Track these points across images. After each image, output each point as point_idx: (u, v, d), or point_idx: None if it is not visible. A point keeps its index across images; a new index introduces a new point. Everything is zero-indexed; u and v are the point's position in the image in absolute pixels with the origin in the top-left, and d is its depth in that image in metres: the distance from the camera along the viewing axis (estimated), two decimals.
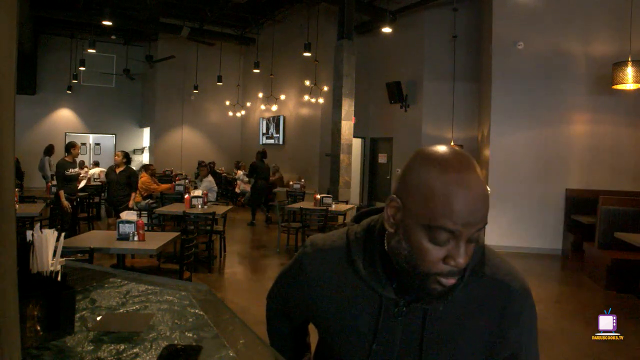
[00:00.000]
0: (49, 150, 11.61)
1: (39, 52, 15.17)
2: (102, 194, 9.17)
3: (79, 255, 3.29)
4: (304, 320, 1.09)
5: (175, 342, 0.87)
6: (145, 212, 7.05)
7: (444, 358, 0.84)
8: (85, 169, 10.80)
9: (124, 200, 6.70)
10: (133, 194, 6.82)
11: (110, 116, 16.48)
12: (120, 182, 6.71)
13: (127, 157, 6.88)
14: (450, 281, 0.78)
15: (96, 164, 12.38)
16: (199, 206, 6.29)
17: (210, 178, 8.27)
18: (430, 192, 0.74)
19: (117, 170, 6.76)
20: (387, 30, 9.41)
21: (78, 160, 7.89)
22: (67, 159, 6.60)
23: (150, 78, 15.92)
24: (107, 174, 7.26)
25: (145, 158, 16.47)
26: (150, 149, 16.05)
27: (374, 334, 0.87)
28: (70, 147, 6.69)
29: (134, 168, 7.87)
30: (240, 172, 12.54)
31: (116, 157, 6.89)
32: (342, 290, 0.92)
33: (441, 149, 0.78)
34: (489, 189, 0.81)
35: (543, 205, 7.47)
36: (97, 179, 10.60)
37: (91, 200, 8.47)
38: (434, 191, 0.74)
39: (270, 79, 13.51)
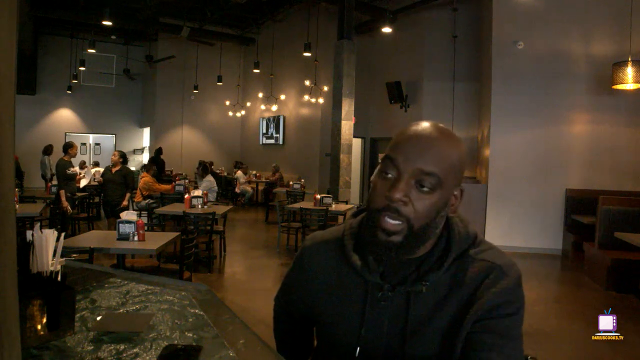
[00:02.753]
0: (48, 150, 11.63)
1: (39, 52, 15.16)
2: (102, 194, 9.21)
3: (77, 255, 3.29)
4: (306, 318, 1.09)
5: (175, 342, 0.87)
6: (145, 212, 7.04)
7: (427, 340, 0.85)
8: (86, 168, 10.80)
9: (121, 200, 6.74)
10: (127, 194, 6.83)
11: (110, 116, 16.47)
12: (116, 182, 6.76)
13: (123, 157, 6.94)
14: (390, 224, 0.81)
15: (96, 164, 12.38)
16: (199, 206, 6.29)
17: (210, 178, 8.25)
18: (396, 135, 0.87)
19: (113, 170, 6.82)
20: (387, 30, 9.40)
21: (78, 160, 7.93)
22: (65, 158, 6.74)
23: (150, 78, 15.91)
24: (103, 174, 7.32)
25: (145, 158, 16.47)
26: (150, 149, 16.05)
27: (361, 319, 0.89)
28: (67, 147, 6.86)
29: (134, 168, 7.93)
30: (239, 172, 12.54)
31: (113, 157, 6.96)
32: (335, 280, 0.95)
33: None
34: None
35: (543, 205, 7.46)
36: (95, 179, 10.63)
37: (91, 200, 8.47)
38: (397, 133, 0.87)
39: (270, 79, 13.51)
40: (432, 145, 0.82)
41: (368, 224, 0.85)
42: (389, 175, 0.83)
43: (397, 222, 0.81)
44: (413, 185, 0.81)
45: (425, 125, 0.85)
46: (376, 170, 0.87)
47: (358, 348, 0.89)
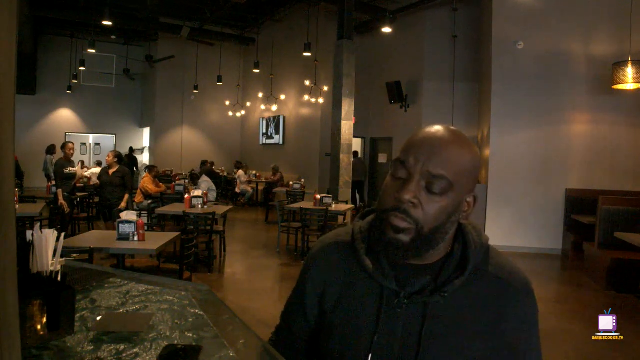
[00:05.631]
0: (51, 150, 11.71)
1: (39, 52, 15.16)
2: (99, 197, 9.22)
3: (77, 255, 3.29)
4: (313, 334, 1.02)
5: (175, 342, 0.87)
6: (146, 212, 7.03)
7: (442, 352, 0.84)
8: (85, 169, 10.81)
9: (119, 202, 6.34)
10: (126, 196, 6.39)
11: (110, 116, 16.47)
12: (114, 184, 6.36)
13: (119, 157, 6.54)
14: (397, 221, 0.81)
15: (98, 164, 12.43)
16: (199, 206, 6.29)
17: (206, 178, 8.24)
18: (408, 138, 0.87)
19: (110, 172, 6.42)
20: (387, 30, 9.40)
21: (77, 160, 7.92)
22: (63, 158, 6.74)
23: (150, 78, 15.91)
24: (99, 176, 6.83)
25: (145, 158, 16.48)
26: (150, 149, 16.06)
27: (375, 325, 0.87)
28: (62, 147, 6.85)
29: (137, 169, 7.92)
30: (240, 172, 12.55)
31: (107, 158, 6.55)
32: (346, 283, 0.93)
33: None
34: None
35: (543, 205, 7.47)
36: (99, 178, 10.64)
37: (91, 200, 8.47)
38: (410, 137, 0.87)
39: (270, 79, 13.51)
40: (443, 148, 0.81)
41: (377, 223, 0.85)
42: (400, 177, 0.83)
43: (405, 222, 0.81)
44: (423, 187, 0.81)
45: (437, 128, 0.84)
46: (388, 175, 0.86)
47: (370, 355, 0.87)
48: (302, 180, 11.10)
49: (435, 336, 0.84)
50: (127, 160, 12.66)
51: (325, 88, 11.29)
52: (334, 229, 1.09)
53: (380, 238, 0.84)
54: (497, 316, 0.85)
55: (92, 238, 4.16)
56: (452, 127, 0.85)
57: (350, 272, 0.93)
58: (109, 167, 6.49)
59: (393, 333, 0.86)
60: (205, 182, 8.06)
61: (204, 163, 12.18)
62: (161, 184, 8.70)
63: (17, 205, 5.57)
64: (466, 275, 0.84)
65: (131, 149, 15.35)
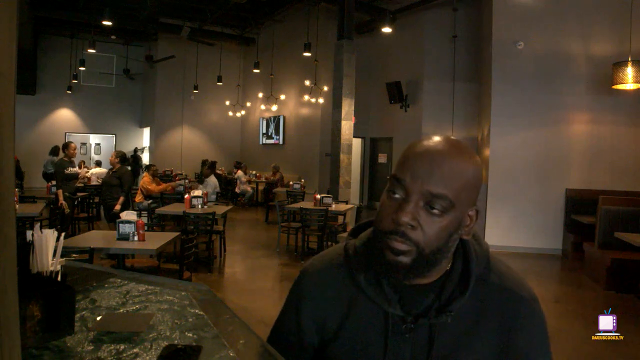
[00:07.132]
0: (54, 151, 11.75)
1: (39, 52, 15.17)
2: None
3: (77, 255, 3.29)
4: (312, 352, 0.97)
5: (175, 342, 0.87)
6: (146, 212, 7.03)
7: None
8: (85, 169, 10.82)
9: (114, 202, 6.31)
10: (121, 198, 6.27)
11: (110, 116, 16.48)
12: (111, 184, 6.36)
13: (121, 158, 6.50)
14: (396, 244, 0.76)
15: (98, 164, 12.44)
16: (199, 206, 6.29)
17: (214, 180, 8.22)
18: (404, 151, 0.81)
19: (111, 172, 6.51)
20: (387, 30, 9.40)
21: (77, 160, 7.93)
22: (65, 158, 6.75)
23: (150, 78, 15.92)
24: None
25: (145, 158, 16.49)
26: (150, 149, 16.06)
27: (383, 353, 0.83)
28: (64, 147, 6.84)
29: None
30: (240, 172, 12.54)
31: (110, 158, 6.65)
32: (346, 311, 0.87)
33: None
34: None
35: (543, 205, 7.47)
36: (101, 177, 10.65)
37: (91, 200, 8.47)
38: (405, 149, 0.81)
39: (270, 79, 13.51)
40: (443, 163, 0.75)
41: (375, 245, 0.81)
42: (397, 196, 0.77)
43: (405, 244, 0.76)
44: (422, 207, 0.76)
45: (435, 140, 0.78)
46: (384, 193, 0.81)
47: None
48: (302, 180, 11.10)
49: (444, 356, 0.81)
50: (132, 160, 12.79)
51: (325, 88, 11.29)
52: (324, 250, 1.02)
53: (379, 260, 0.79)
54: (508, 326, 0.82)
55: (92, 238, 4.17)
56: (451, 137, 0.81)
57: (350, 299, 0.87)
58: (112, 167, 6.58)
59: (401, 358, 0.82)
60: (212, 183, 8.00)
61: (206, 162, 12.16)
62: (163, 183, 8.69)
63: (17, 205, 5.57)
64: (470, 289, 0.81)
65: (135, 150, 15.59)
